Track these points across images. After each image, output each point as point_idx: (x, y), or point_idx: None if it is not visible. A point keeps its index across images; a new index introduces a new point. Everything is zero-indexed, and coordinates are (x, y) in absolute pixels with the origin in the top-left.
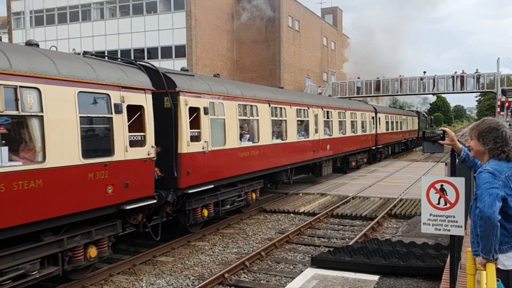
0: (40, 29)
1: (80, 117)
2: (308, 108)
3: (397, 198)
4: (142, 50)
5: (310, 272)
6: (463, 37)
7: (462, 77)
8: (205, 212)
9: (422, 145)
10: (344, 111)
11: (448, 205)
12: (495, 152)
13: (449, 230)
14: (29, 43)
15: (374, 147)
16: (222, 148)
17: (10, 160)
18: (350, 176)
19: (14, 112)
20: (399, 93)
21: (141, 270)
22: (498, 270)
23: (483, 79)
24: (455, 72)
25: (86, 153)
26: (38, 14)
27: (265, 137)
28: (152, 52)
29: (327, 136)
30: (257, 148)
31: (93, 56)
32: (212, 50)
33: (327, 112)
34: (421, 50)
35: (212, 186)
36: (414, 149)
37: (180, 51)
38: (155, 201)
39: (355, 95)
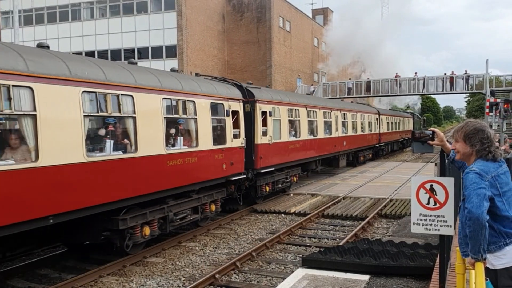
0: (29, 28)
1: (212, 118)
2: (331, 111)
3: (388, 198)
4: (133, 50)
5: (301, 272)
6: (453, 39)
7: (451, 78)
8: (267, 188)
9: (411, 145)
10: (356, 113)
11: (437, 205)
12: (483, 152)
13: (438, 230)
14: (131, 62)
15: (377, 145)
16: (279, 141)
17: (183, 145)
18: (341, 176)
19: (185, 116)
20: (389, 94)
21: (131, 271)
22: (486, 269)
23: (472, 80)
24: (445, 73)
25: (214, 142)
26: (27, 14)
27: (304, 134)
28: (143, 52)
29: (343, 134)
30: (299, 142)
31: (208, 77)
32: (203, 50)
33: (344, 114)
34: (411, 51)
35: (273, 169)
36: (404, 150)
37: (171, 51)
38: (244, 176)
39: (346, 96)
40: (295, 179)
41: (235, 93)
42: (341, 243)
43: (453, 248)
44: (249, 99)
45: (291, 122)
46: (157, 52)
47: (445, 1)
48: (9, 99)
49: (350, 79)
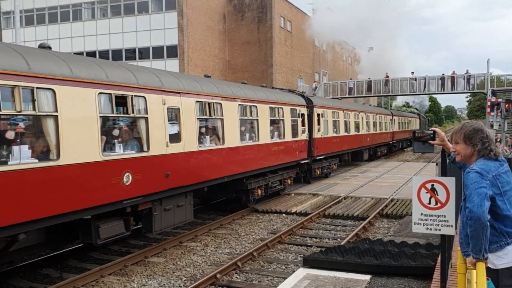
0: (31, 28)
1: (291, 119)
2: (359, 113)
3: (389, 198)
4: (134, 50)
5: (302, 272)
6: (452, 39)
7: (452, 78)
8: (318, 171)
9: (412, 145)
10: (375, 114)
11: (439, 204)
12: (484, 151)
13: (440, 230)
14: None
15: (391, 142)
16: (327, 136)
17: (277, 137)
18: (342, 176)
19: (278, 118)
20: (390, 94)
21: (132, 271)
22: (487, 269)
23: (474, 80)
24: (443, 74)
25: (292, 135)
26: (29, 14)
27: (341, 131)
28: (144, 52)
29: (367, 132)
30: (338, 137)
31: (282, 89)
32: (204, 50)
33: (367, 115)
34: (412, 51)
35: (324, 157)
36: (405, 150)
37: (172, 51)
38: (308, 161)
39: (347, 96)
40: (334, 167)
41: (302, 101)
42: (342, 243)
43: (454, 248)
44: (308, 105)
45: (334, 122)
46: (158, 52)
47: (445, 1)
48: (213, 110)
49: (351, 79)
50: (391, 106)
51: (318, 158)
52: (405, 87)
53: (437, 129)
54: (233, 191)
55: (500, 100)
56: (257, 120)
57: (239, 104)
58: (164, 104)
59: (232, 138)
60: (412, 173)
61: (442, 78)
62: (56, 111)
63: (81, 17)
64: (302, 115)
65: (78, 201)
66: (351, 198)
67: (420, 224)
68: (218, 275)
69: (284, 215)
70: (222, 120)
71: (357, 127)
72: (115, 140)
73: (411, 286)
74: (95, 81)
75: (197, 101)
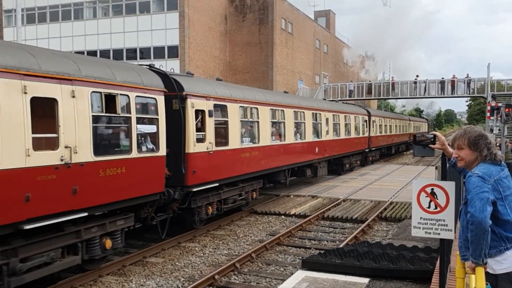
0: (32, 27)
1: (361, 123)
2: (391, 119)
3: (388, 201)
4: (135, 50)
5: (300, 274)
6: (455, 42)
7: (453, 82)
8: (370, 158)
9: (412, 148)
10: (400, 120)
11: (438, 208)
12: (491, 156)
13: (439, 234)
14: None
15: (408, 141)
16: (376, 135)
17: (354, 134)
18: (341, 178)
19: (356, 123)
20: (390, 97)
21: (130, 271)
22: (487, 274)
23: (474, 84)
24: (442, 78)
25: (362, 133)
26: (30, 12)
27: (383, 132)
28: (145, 52)
29: (395, 133)
30: (381, 136)
31: (349, 104)
32: (204, 51)
33: (396, 120)
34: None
35: (374, 148)
36: (404, 153)
37: (173, 52)
38: (368, 150)
39: (347, 98)
40: (378, 156)
41: (365, 112)
42: (341, 246)
43: (453, 252)
44: (368, 114)
45: (380, 126)
46: (159, 52)
47: (448, 4)
48: (336, 119)
49: (351, 81)
50: (391, 109)
51: (372, 149)
52: (406, 90)
53: (437, 133)
54: (334, 164)
55: (500, 104)
56: (350, 123)
57: (344, 115)
58: (325, 116)
59: (343, 133)
60: (411, 176)
61: (442, 82)
62: (301, 119)
63: (83, 16)
64: (366, 120)
65: (309, 158)
66: (350, 200)
67: (420, 228)
68: (216, 276)
69: (283, 216)
70: (338, 124)
71: (390, 129)
72: (314, 132)
73: None
74: (311, 108)
75: (333, 114)
